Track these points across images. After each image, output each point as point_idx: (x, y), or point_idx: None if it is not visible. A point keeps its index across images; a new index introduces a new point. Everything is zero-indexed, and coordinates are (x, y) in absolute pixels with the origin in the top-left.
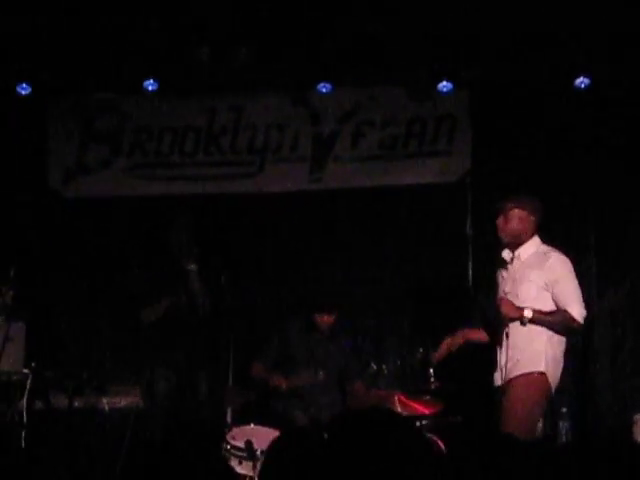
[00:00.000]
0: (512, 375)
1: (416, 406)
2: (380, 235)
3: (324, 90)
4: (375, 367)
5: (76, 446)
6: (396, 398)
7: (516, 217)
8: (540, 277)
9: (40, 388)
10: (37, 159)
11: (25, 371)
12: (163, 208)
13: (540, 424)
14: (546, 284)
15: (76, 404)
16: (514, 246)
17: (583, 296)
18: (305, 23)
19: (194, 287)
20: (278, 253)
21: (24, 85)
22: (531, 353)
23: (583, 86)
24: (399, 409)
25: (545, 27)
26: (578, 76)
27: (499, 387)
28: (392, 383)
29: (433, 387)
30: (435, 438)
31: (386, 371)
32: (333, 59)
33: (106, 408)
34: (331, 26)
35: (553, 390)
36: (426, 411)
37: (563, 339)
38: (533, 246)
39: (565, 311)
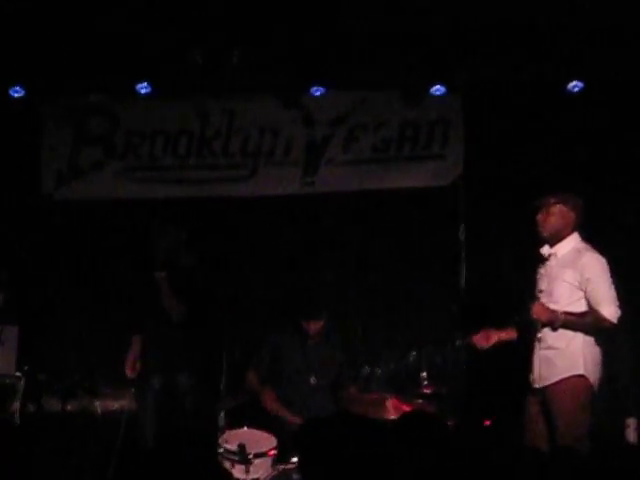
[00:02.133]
0: (552, 380)
1: (409, 410)
2: (373, 239)
3: (317, 94)
4: (368, 371)
5: (69, 449)
6: (389, 402)
7: (557, 212)
8: (573, 276)
9: (33, 391)
10: (30, 162)
11: (18, 374)
12: (155, 211)
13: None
14: (579, 283)
15: (69, 407)
16: (553, 242)
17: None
18: (298, 26)
19: (164, 294)
20: (270, 256)
21: (17, 88)
22: (569, 356)
23: (576, 90)
24: (392, 413)
25: (538, 31)
26: (571, 80)
27: (536, 389)
28: (385, 387)
29: (425, 391)
30: None
31: (379, 374)
32: (326, 63)
33: (99, 411)
34: (324, 30)
35: (596, 391)
36: None
37: (600, 340)
38: (571, 243)
39: (596, 311)
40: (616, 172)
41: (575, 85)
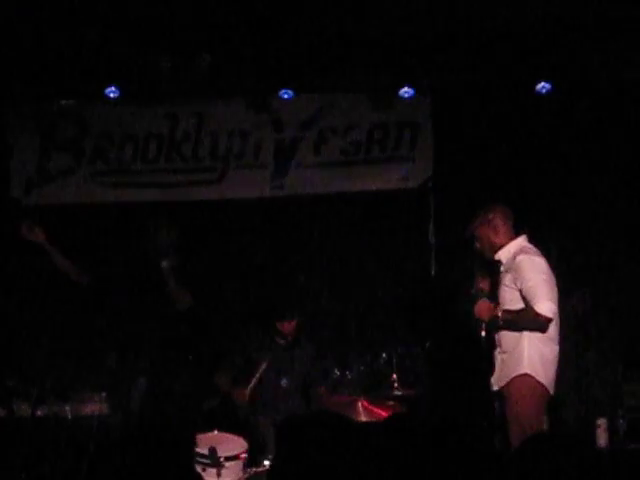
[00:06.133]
0: (503, 382)
1: (379, 412)
2: (343, 241)
3: (286, 97)
4: (338, 373)
5: (39, 454)
6: (359, 404)
7: (484, 235)
8: (510, 279)
9: (3, 397)
10: None
11: None
12: (125, 215)
13: (545, 425)
14: (515, 284)
15: (39, 412)
16: (497, 252)
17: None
18: (266, 30)
19: (169, 284)
20: (240, 259)
21: None
22: (515, 357)
23: (544, 91)
24: (362, 415)
25: (506, 33)
26: (539, 81)
27: (495, 392)
28: (355, 389)
29: (396, 393)
30: None
31: (349, 377)
32: (294, 66)
33: (69, 416)
34: (292, 33)
35: (551, 390)
36: None
37: (550, 338)
38: (512, 248)
39: (531, 308)
40: (585, 170)
41: (543, 86)
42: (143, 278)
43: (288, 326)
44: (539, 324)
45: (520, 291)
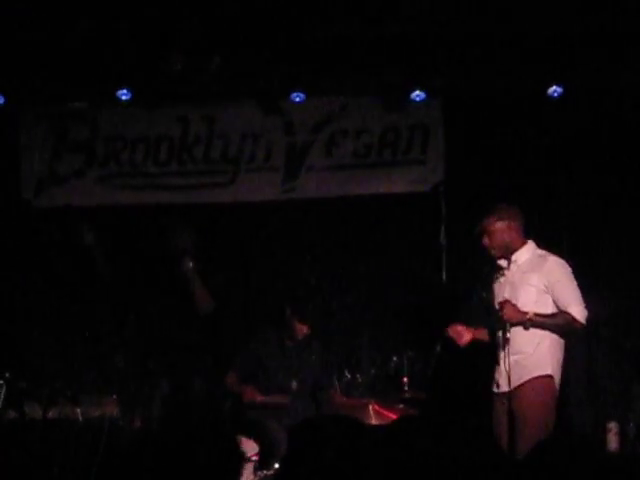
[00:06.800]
0: (520, 381)
1: (390, 415)
2: (353, 245)
3: (297, 99)
4: (349, 376)
5: (50, 456)
6: (370, 407)
7: (498, 230)
8: (539, 280)
9: (14, 398)
10: (10, 169)
11: None
12: (136, 218)
13: None
14: (546, 287)
15: (50, 414)
16: (509, 255)
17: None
18: (278, 32)
19: (194, 285)
20: (251, 262)
21: None
22: (537, 357)
23: (556, 95)
24: (373, 418)
25: (517, 36)
26: (551, 85)
27: (504, 393)
28: (366, 392)
29: (407, 396)
30: None
31: (360, 380)
32: (306, 68)
33: (80, 418)
34: (304, 35)
35: (557, 395)
36: None
37: (563, 343)
38: (529, 250)
39: (566, 312)
40: (598, 174)
41: (555, 90)
42: (164, 280)
43: (305, 328)
44: (573, 329)
45: (551, 294)
